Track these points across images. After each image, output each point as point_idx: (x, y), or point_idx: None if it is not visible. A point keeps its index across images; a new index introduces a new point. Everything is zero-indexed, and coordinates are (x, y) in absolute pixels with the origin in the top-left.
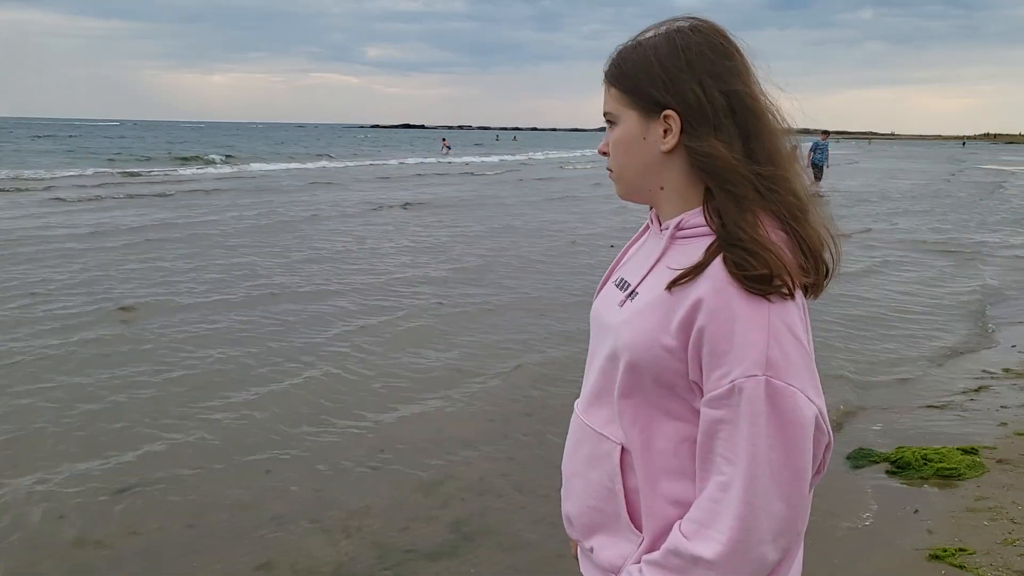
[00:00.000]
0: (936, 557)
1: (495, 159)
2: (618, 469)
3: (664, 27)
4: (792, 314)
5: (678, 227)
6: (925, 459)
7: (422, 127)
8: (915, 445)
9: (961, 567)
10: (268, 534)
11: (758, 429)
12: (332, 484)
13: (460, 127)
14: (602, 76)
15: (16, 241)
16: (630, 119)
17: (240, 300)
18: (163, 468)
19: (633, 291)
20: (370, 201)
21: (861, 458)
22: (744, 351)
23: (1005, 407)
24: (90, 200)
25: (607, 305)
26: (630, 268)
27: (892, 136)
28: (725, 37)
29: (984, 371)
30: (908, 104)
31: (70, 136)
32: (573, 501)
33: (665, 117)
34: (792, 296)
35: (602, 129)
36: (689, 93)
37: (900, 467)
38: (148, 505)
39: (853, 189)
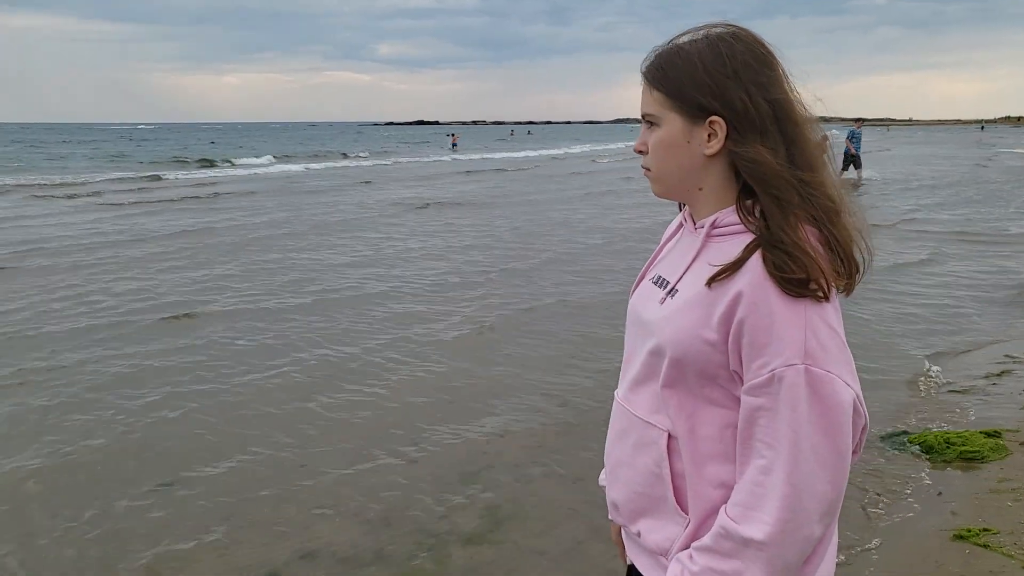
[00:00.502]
0: (960, 537)
1: (523, 154)
2: (665, 455)
3: (703, 32)
4: (827, 309)
5: (713, 225)
6: (948, 442)
7: (436, 123)
8: (938, 430)
9: (985, 546)
10: (310, 524)
11: (799, 415)
12: (371, 476)
13: (474, 123)
14: (641, 77)
15: (83, 247)
16: (674, 123)
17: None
18: (207, 464)
19: (672, 288)
20: (427, 198)
21: (884, 441)
22: (783, 343)
23: None
24: (147, 204)
25: (645, 302)
26: (666, 265)
27: (910, 122)
28: (764, 46)
29: (1007, 356)
30: (925, 89)
31: (96, 140)
32: (619, 488)
33: (711, 123)
34: (827, 299)
35: (617, 121)
36: (736, 101)
37: (923, 450)
38: (188, 499)
39: (891, 177)
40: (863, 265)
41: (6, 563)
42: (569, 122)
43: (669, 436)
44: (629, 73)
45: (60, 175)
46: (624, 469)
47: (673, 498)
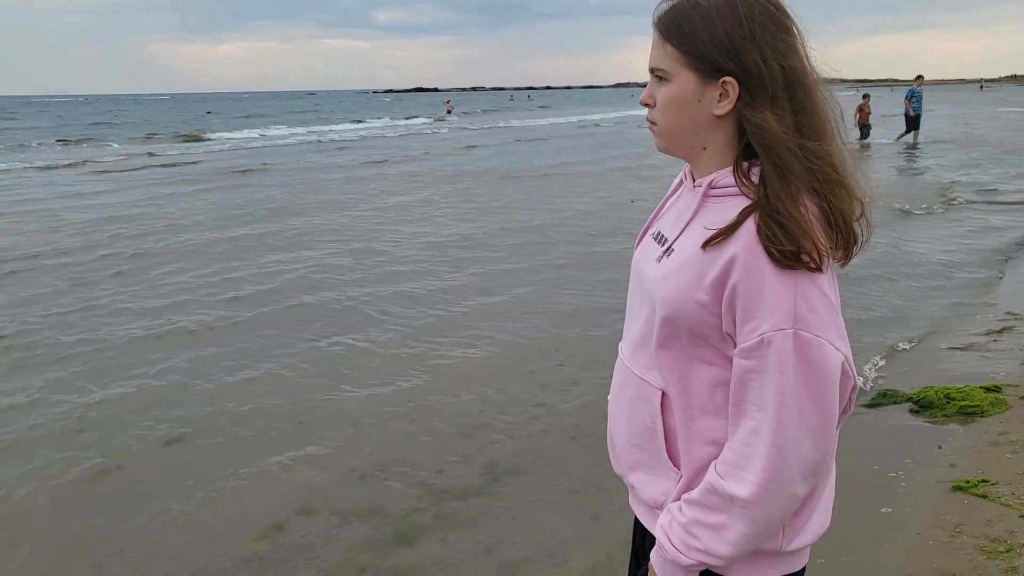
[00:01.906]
0: (959, 488)
1: (565, 120)
2: (659, 411)
3: None
4: (819, 275)
5: (711, 186)
6: (948, 398)
7: (435, 90)
8: (939, 385)
9: (984, 496)
10: (308, 480)
11: (786, 378)
12: (370, 433)
13: (473, 88)
14: (653, 29)
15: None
16: (686, 80)
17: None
18: (211, 422)
19: (670, 247)
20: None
21: (884, 398)
22: (773, 307)
23: None
24: (205, 178)
25: (646, 258)
26: (666, 222)
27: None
28: (782, 9)
29: (1008, 313)
30: (927, 49)
31: (110, 111)
32: (617, 441)
33: (723, 83)
34: (820, 270)
35: (618, 86)
36: (751, 64)
37: (923, 406)
38: (197, 456)
39: (944, 136)
40: (861, 238)
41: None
42: (569, 87)
43: (663, 393)
44: (630, 36)
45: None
46: (621, 423)
47: (666, 453)
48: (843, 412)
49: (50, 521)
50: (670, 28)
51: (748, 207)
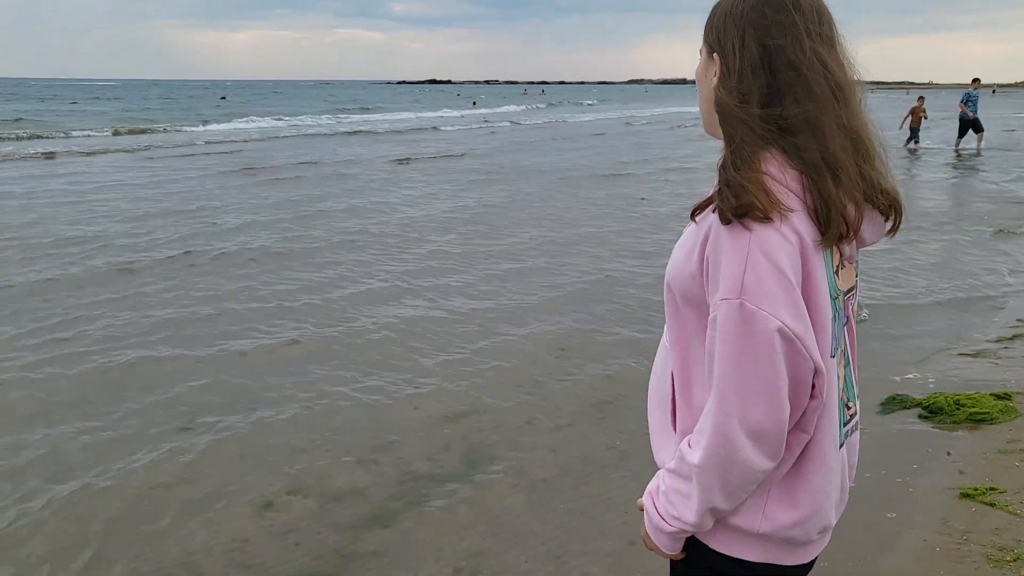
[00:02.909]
0: (967, 496)
1: (591, 117)
2: (671, 380)
3: None
4: (773, 245)
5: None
6: (958, 404)
7: (448, 82)
8: (948, 392)
9: (991, 504)
10: (297, 464)
11: (728, 347)
12: (359, 418)
13: (487, 82)
14: None
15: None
16: (703, 57)
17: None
18: (212, 413)
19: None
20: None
21: (894, 404)
22: (725, 278)
23: None
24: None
25: None
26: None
27: (931, 85)
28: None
29: (1019, 320)
30: (946, 51)
31: (145, 98)
32: (651, 406)
33: (715, 58)
34: (770, 220)
35: (631, 82)
36: (727, 41)
37: (932, 412)
38: (189, 435)
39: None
40: (851, 227)
41: None
42: (583, 82)
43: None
44: (644, 34)
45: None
46: (652, 391)
47: (671, 419)
48: (812, 397)
49: (41, 485)
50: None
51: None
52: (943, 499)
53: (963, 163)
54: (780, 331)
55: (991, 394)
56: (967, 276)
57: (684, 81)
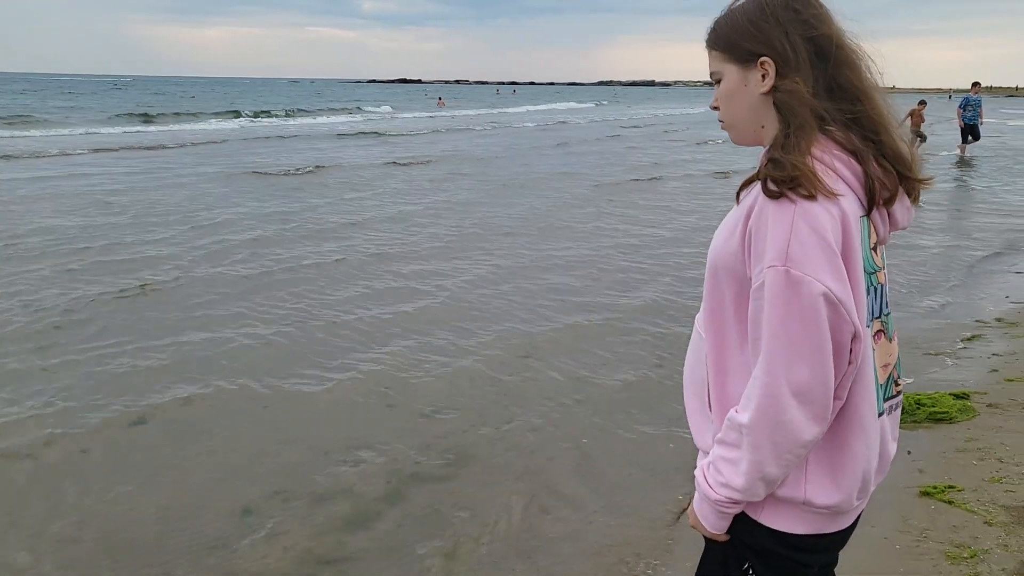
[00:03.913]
0: (926, 494)
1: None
2: (704, 361)
3: None
4: (819, 217)
5: (763, 157)
6: (918, 403)
7: (419, 81)
8: (909, 392)
9: (950, 502)
10: (272, 465)
11: (776, 312)
12: (341, 419)
13: (457, 82)
14: (704, 47)
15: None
16: (731, 72)
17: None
18: (181, 410)
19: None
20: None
21: None
22: (772, 247)
23: (997, 355)
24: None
25: None
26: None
27: (893, 89)
28: None
29: (977, 321)
30: (906, 57)
31: (116, 88)
32: (685, 392)
33: (761, 63)
34: (814, 197)
35: (600, 84)
36: (777, 42)
37: None
38: (166, 438)
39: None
40: (893, 195)
41: None
42: (553, 83)
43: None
44: (616, 35)
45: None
46: (687, 376)
47: (707, 402)
48: (849, 363)
49: (17, 501)
50: (711, 36)
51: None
52: (903, 497)
53: (953, 167)
54: (824, 295)
55: (950, 394)
56: (925, 279)
57: (652, 83)
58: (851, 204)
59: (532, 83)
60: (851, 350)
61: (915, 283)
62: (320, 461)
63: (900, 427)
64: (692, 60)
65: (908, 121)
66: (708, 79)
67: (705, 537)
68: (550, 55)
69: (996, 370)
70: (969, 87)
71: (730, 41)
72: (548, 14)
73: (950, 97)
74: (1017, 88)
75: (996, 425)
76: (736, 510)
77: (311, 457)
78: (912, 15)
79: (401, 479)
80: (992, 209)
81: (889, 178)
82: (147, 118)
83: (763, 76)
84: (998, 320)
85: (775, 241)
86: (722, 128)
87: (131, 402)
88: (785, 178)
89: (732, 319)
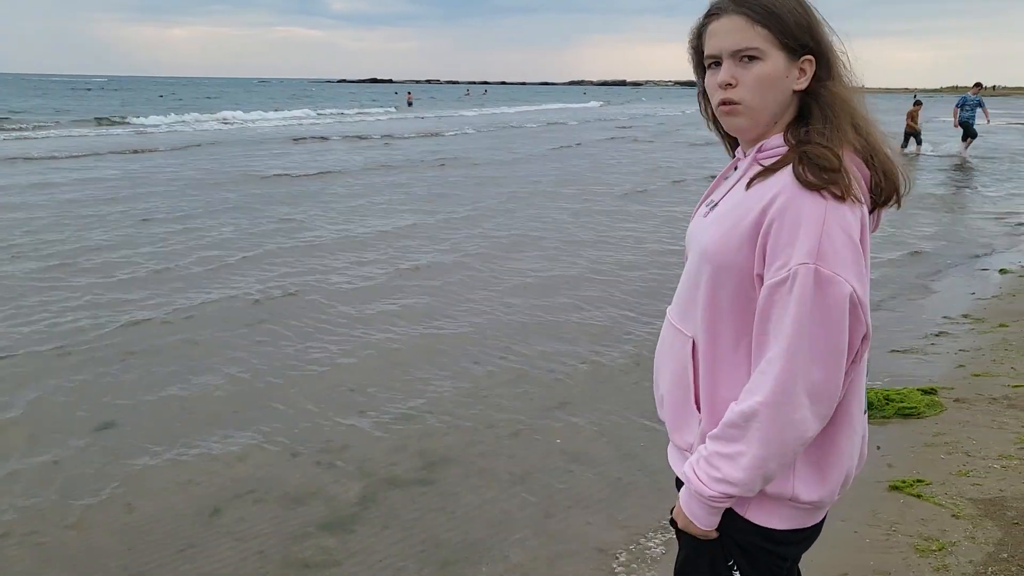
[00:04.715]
0: (895, 488)
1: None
2: (689, 358)
3: None
4: (847, 217)
5: (759, 150)
6: (887, 399)
7: (389, 81)
8: (879, 387)
9: (918, 496)
10: (243, 466)
11: (804, 308)
12: (316, 421)
13: (428, 81)
14: (730, 13)
15: None
16: (778, 59)
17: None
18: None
19: (716, 204)
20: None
21: None
22: (801, 244)
23: (963, 350)
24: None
25: (696, 222)
26: (718, 192)
27: (865, 89)
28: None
29: (944, 317)
30: (879, 56)
31: (89, 90)
32: (659, 388)
33: (804, 60)
34: (845, 199)
35: (572, 84)
36: (823, 42)
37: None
38: (125, 443)
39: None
40: (903, 184)
41: None
42: (524, 83)
43: (693, 341)
44: (586, 34)
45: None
46: (661, 371)
47: (693, 398)
48: (853, 361)
49: None
50: (763, 12)
51: (790, 151)
52: (873, 492)
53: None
54: (851, 297)
55: (918, 389)
56: (894, 277)
57: (623, 83)
58: (864, 206)
59: (503, 83)
60: (859, 350)
61: (882, 281)
62: (290, 463)
63: (869, 423)
64: (663, 61)
65: (906, 120)
66: (680, 79)
67: (687, 537)
68: (521, 55)
69: (963, 365)
70: (971, 86)
71: (786, 26)
72: (520, 14)
73: (914, 97)
74: (994, 88)
75: (963, 420)
76: (728, 505)
77: (284, 459)
78: (878, 15)
79: (375, 481)
80: (961, 208)
81: (886, 181)
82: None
83: (800, 73)
84: (964, 316)
85: (807, 238)
86: (729, 111)
87: (100, 405)
88: (829, 170)
89: (728, 316)
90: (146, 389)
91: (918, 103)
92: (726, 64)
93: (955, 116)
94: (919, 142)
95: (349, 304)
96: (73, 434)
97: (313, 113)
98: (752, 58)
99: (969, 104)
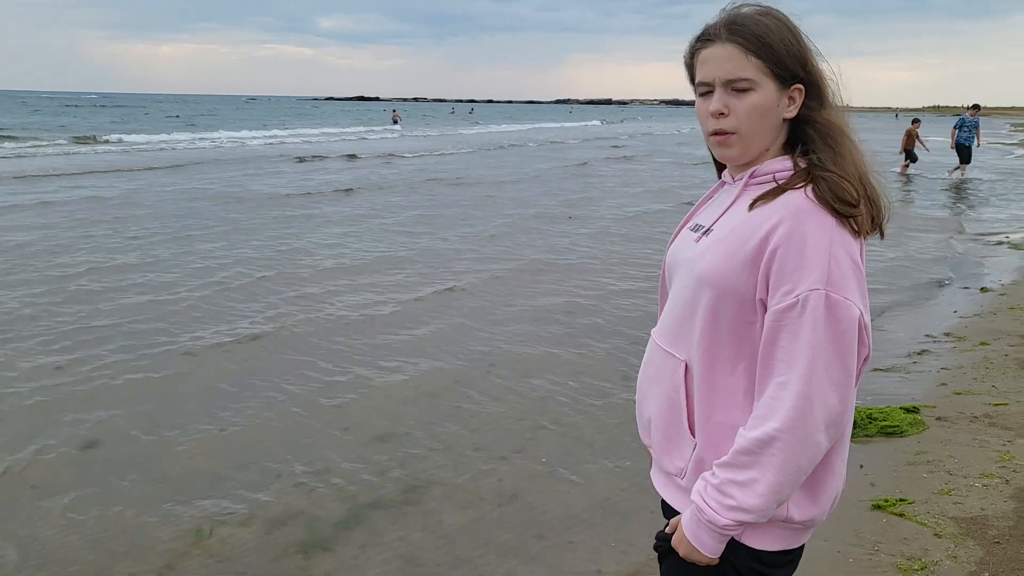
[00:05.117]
0: (878, 507)
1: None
2: (681, 382)
3: (761, 9)
4: (851, 244)
5: (752, 175)
6: (870, 418)
7: (376, 99)
8: (862, 406)
9: (901, 515)
10: (226, 488)
11: (818, 334)
12: (298, 443)
13: (415, 99)
14: (723, 43)
15: None
16: (770, 89)
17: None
18: (125, 429)
19: (708, 229)
20: None
21: None
22: (810, 270)
23: (945, 368)
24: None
25: (683, 246)
26: (704, 215)
27: (848, 108)
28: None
29: (927, 335)
30: (858, 77)
31: (97, 106)
32: (644, 411)
33: (794, 89)
34: (854, 229)
35: (558, 102)
36: (813, 71)
37: None
38: (113, 461)
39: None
40: (885, 213)
41: None
42: (511, 101)
43: (686, 365)
44: (571, 53)
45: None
46: (648, 395)
47: (686, 422)
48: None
49: None
50: (755, 42)
51: (795, 176)
52: (856, 511)
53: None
54: (859, 319)
55: (901, 408)
56: (876, 295)
57: (610, 101)
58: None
59: (491, 101)
60: (859, 370)
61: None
62: (273, 484)
63: (852, 440)
64: (650, 80)
65: (903, 141)
66: (665, 98)
67: (679, 563)
68: (508, 73)
69: (945, 384)
70: (969, 107)
71: (779, 57)
72: (507, 32)
73: (896, 116)
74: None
75: (945, 438)
76: (739, 532)
77: (267, 480)
78: (860, 35)
79: (358, 504)
80: (942, 227)
81: (873, 209)
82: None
83: (789, 101)
84: (946, 334)
85: (815, 263)
86: (721, 141)
87: (82, 424)
88: (850, 204)
89: (726, 340)
90: (129, 403)
91: (916, 122)
92: (718, 93)
93: (952, 137)
94: (912, 160)
95: (333, 329)
96: (56, 450)
97: (335, 131)
98: (745, 88)
99: (968, 126)
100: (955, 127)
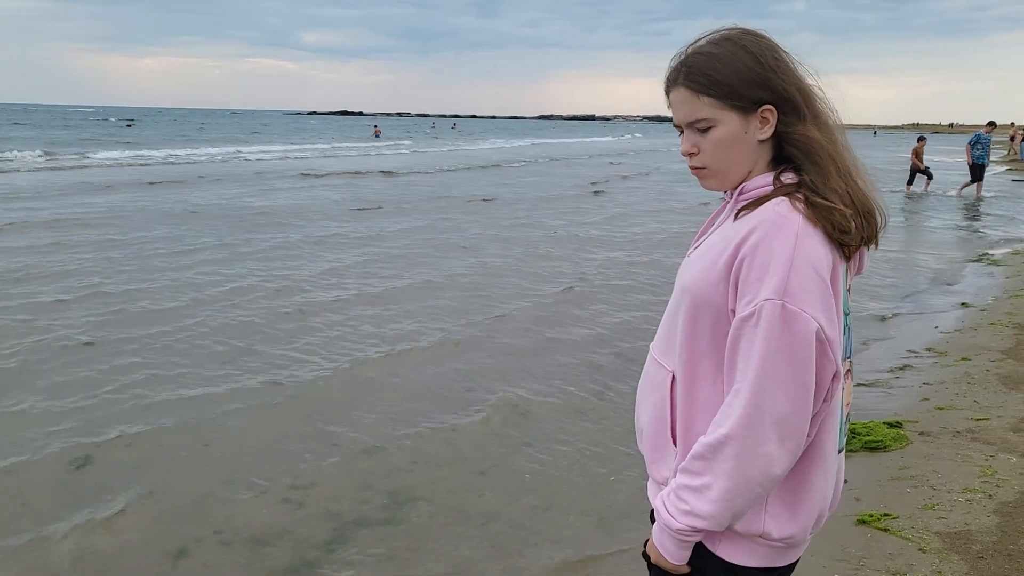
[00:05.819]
0: (863, 522)
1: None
2: (668, 393)
3: (719, 36)
4: (817, 253)
5: (740, 192)
6: (854, 433)
7: (360, 114)
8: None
9: (885, 530)
10: (209, 506)
11: (770, 344)
12: (284, 459)
13: (398, 114)
14: (677, 87)
15: None
16: (731, 120)
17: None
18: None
19: (698, 244)
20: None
21: None
22: (768, 280)
23: (927, 383)
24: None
25: (683, 263)
26: (706, 235)
27: (842, 126)
28: (773, 42)
29: (909, 351)
30: (833, 94)
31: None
32: (639, 421)
33: (763, 111)
34: (849, 258)
35: (541, 118)
36: (780, 89)
37: None
38: (109, 479)
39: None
40: (880, 222)
41: None
42: (494, 116)
43: (673, 376)
44: (555, 69)
45: None
46: (642, 405)
47: (670, 432)
48: (824, 400)
49: None
50: (701, 81)
51: (778, 190)
52: (841, 526)
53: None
54: (817, 333)
55: (884, 423)
56: (859, 311)
57: (592, 117)
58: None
59: (474, 116)
60: (829, 389)
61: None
62: (258, 501)
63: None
64: (632, 95)
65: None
66: (648, 114)
67: (659, 572)
68: (491, 89)
69: (927, 399)
70: (984, 124)
71: (731, 89)
72: (490, 48)
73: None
74: (952, 125)
75: (928, 453)
76: (697, 539)
77: (251, 497)
78: (842, 52)
79: (343, 521)
80: (927, 242)
81: (867, 224)
82: None
83: (762, 123)
84: (928, 350)
85: (775, 274)
86: (698, 176)
87: (71, 443)
88: (845, 232)
89: (707, 352)
90: (116, 422)
91: (922, 139)
92: (686, 134)
93: (968, 154)
94: (929, 176)
95: (322, 331)
96: (46, 473)
97: (348, 147)
98: (704, 129)
99: (983, 143)
100: (970, 143)
